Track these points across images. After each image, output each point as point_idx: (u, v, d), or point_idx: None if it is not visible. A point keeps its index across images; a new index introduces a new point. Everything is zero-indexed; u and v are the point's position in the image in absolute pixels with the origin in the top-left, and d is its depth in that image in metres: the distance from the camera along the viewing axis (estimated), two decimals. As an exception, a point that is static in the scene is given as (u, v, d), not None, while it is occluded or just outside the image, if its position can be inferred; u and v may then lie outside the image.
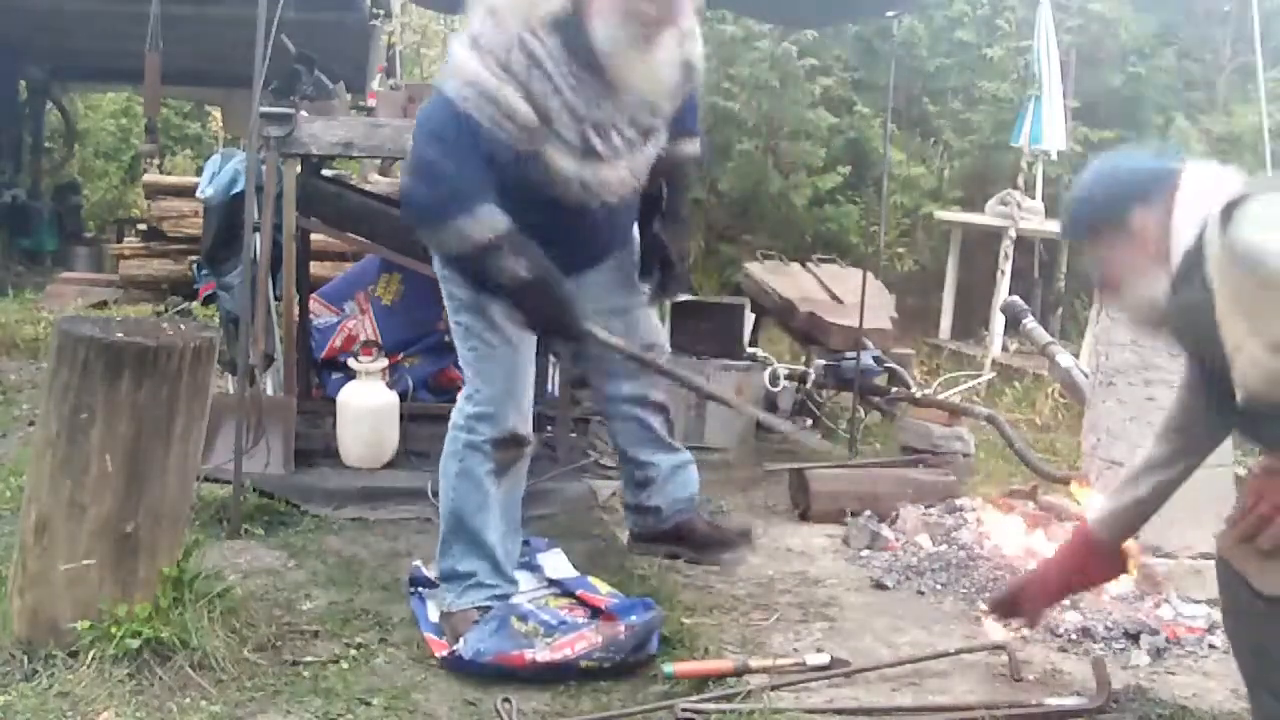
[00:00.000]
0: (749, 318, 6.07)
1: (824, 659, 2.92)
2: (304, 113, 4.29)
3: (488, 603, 3.00)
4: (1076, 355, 4.37)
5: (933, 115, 9.25)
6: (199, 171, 7.17)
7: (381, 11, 9.07)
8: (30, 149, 10.89)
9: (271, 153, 4.21)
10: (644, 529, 3.44)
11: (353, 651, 2.91)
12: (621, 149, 2.89)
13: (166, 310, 7.34)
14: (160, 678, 2.61)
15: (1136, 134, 8.51)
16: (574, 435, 4.72)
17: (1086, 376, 4.21)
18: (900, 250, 8.76)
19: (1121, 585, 3.48)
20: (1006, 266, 7.51)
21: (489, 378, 3.02)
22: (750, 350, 5.93)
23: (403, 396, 4.60)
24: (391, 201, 4.51)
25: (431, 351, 4.95)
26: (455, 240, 2.79)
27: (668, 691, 2.77)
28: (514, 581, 3.11)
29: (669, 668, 2.81)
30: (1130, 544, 2.89)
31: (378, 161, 7.46)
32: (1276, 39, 8.85)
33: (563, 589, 3.27)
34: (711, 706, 2.68)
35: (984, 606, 3.26)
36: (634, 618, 2.92)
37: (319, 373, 4.93)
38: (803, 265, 6.57)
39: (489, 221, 2.75)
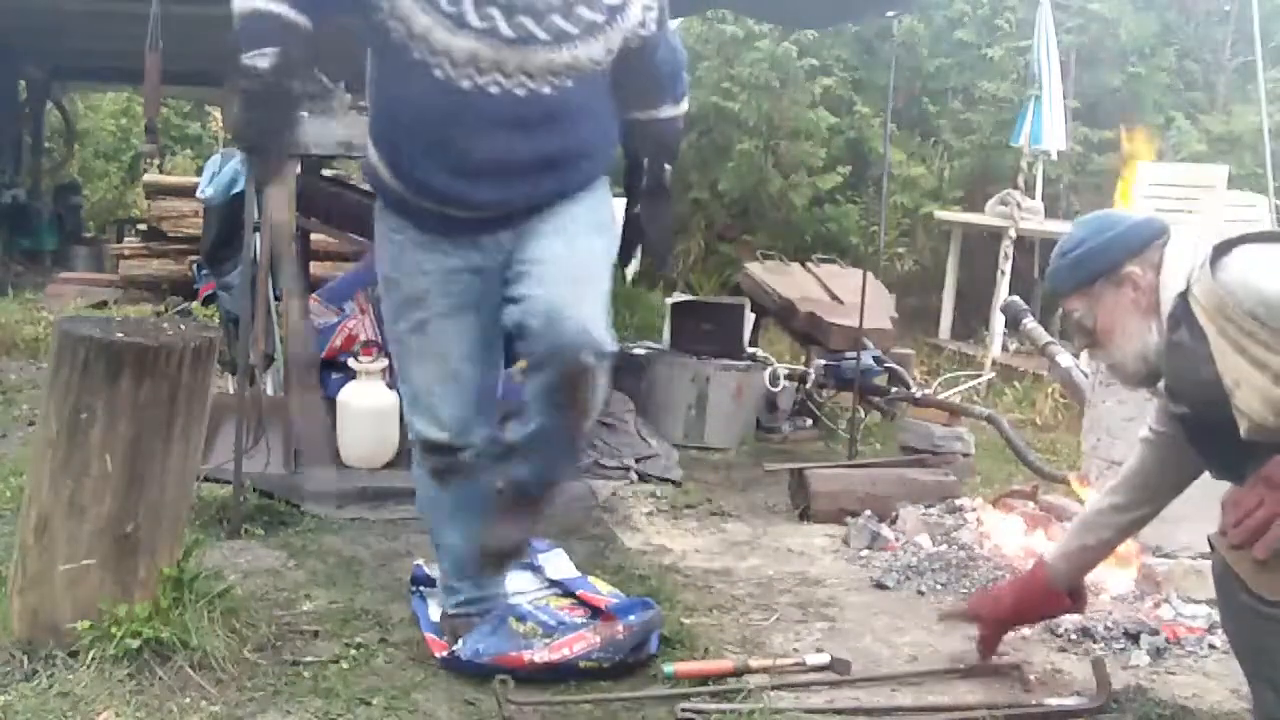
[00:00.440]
0: (749, 318, 6.07)
1: (824, 659, 2.92)
2: (304, 113, 4.28)
3: (458, 610, 2.94)
4: (1076, 355, 4.37)
5: (933, 115, 9.25)
6: (199, 171, 7.14)
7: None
8: (30, 149, 10.87)
9: (271, 153, 4.20)
10: None
11: (353, 651, 2.90)
12: (517, 33, 2.52)
13: (166, 310, 7.32)
14: (160, 678, 2.60)
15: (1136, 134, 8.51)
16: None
17: (1086, 376, 4.21)
18: (900, 250, 8.76)
19: (1121, 585, 3.50)
20: (1006, 266, 7.50)
21: (405, 379, 2.88)
22: (750, 350, 5.92)
23: (403, 396, 4.59)
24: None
25: (432, 351, 4.94)
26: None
27: (668, 692, 2.76)
28: (488, 585, 2.99)
29: (669, 668, 2.82)
30: (1088, 579, 2.96)
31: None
32: (1276, 39, 8.88)
33: (564, 589, 3.26)
34: (711, 706, 2.68)
35: (942, 610, 3.29)
36: (633, 617, 2.91)
37: (319, 373, 4.92)
38: (803, 265, 6.58)
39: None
